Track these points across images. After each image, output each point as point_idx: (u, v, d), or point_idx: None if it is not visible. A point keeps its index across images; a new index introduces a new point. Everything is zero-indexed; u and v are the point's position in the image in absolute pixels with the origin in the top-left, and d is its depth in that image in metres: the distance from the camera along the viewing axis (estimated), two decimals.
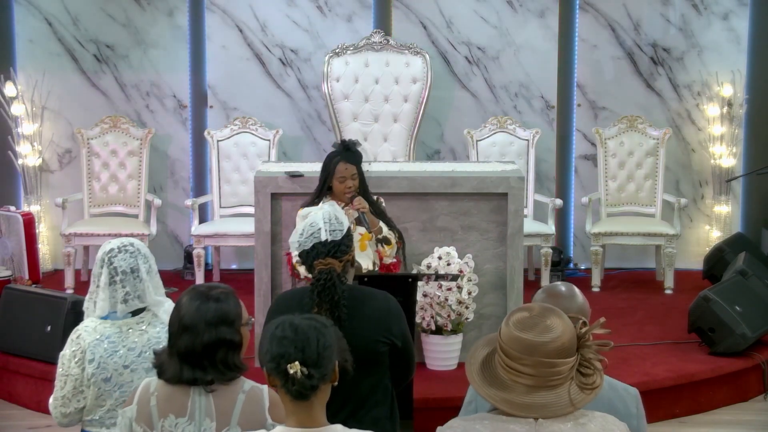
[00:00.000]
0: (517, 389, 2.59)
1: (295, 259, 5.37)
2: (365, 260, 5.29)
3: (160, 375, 3.22)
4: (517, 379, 2.59)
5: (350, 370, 2.86)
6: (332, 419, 3.28)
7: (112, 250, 3.73)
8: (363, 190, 5.36)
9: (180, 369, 3.17)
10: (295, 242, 3.78)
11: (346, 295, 3.64)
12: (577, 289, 3.22)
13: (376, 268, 5.34)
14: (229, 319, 3.23)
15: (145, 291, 3.72)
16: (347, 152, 5.31)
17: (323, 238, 3.70)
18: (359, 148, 5.41)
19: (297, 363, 2.71)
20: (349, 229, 3.77)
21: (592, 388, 2.61)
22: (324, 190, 5.35)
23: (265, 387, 3.23)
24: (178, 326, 3.20)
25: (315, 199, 5.35)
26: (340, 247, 3.71)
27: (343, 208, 5.29)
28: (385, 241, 5.32)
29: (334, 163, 5.30)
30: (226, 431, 3.18)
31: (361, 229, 5.29)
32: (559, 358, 2.59)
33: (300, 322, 2.79)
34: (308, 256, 3.74)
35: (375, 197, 5.43)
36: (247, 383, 3.24)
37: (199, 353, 3.17)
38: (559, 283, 3.25)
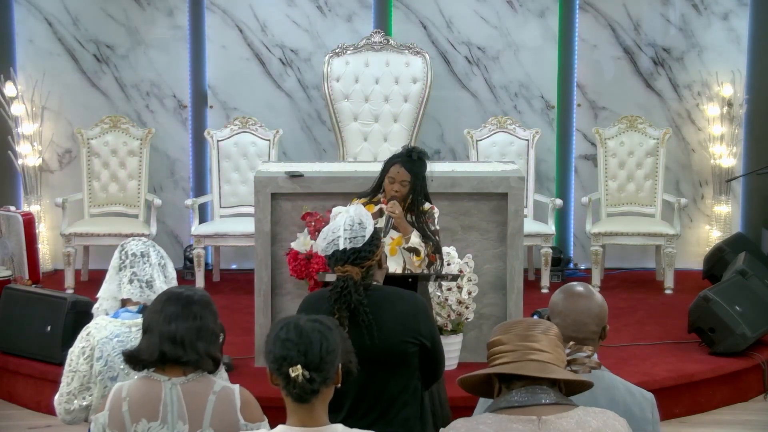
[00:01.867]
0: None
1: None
2: (393, 265, 5.26)
3: (137, 362, 3.22)
4: (499, 362, 2.63)
5: (354, 371, 2.86)
6: (361, 420, 3.30)
7: (128, 241, 3.81)
8: (417, 198, 5.22)
9: (161, 346, 3.19)
10: (320, 246, 3.79)
11: (365, 302, 3.64)
12: (594, 289, 3.23)
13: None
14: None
15: (153, 278, 3.74)
16: (407, 158, 5.25)
17: (341, 246, 3.69)
18: (425, 159, 5.28)
19: (299, 366, 2.70)
20: (374, 232, 3.75)
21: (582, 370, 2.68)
22: (378, 186, 5.32)
23: (237, 387, 3.25)
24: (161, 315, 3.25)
25: (370, 194, 5.32)
26: (360, 254, 3.69)
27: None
28: (414, 251, 5.27)
29: (391, 163, 5.25)
30: None
31: (394, 234, 5.27)
32: (536, 331, 2.62)
33: (304, 324, 2.79)
34: (330, 261, 3.75)
35: (429, 207, 5.30)
36: (217, 384, 3.24)
37: (182, 336, 3.21)
38: (576, 283, 3.24)
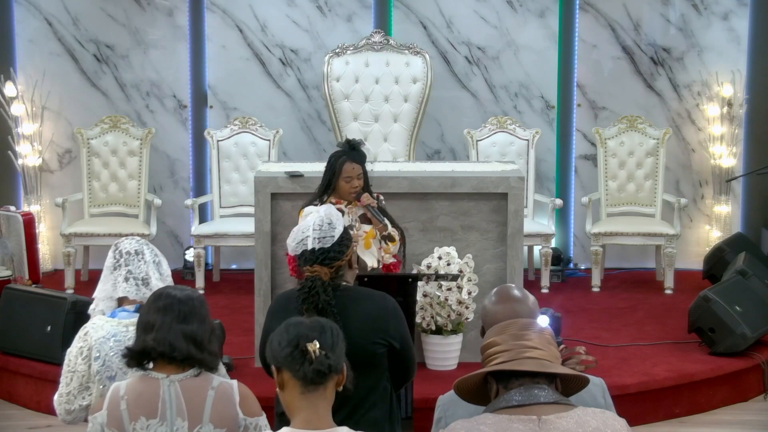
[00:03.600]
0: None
1: None
2: (370, 258, 5.28)
3: (145, 357, 3.23)
4: (496, 362, 2.64)
5: (349, 386, 2.87)
6: None
7: (122, 240, 3.82)
8: (366, 188, 5.37)
9: (188, 348, 3.21)
10: (290, 247, 3.80)
11: (333, 303, 3.64)
12: (526, 291, 3.18)
13: (380, 266, 5.34)
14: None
15: (149, 275, 3.74)
16: (353, 152, 5.31)
17: (310, 246, 3.69)
18: (363, 147, 5.41)
19: (316, 342, 2.73)
20: (343, 232, 3.75)
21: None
22: (329, 189, 5.34)
23: (235, 382, 3.27)
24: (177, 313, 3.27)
25: (318, 198, 5.35)
26: (329, 254, 3.69)
27: (346, 206, 5.31)
28: (389, 238, 5.32)
29: (341, 163, 5.29)
30: (199, 429, 3.19)
31: (366, 227, 5.29)
32: (530, 331, 2.64)
33: (311, 318, 2.86)
34: (299, 261, 3.75)
35: (375, 195, 5.44)
36: (215, 380, 3.26)
37: (201, 337, 3.25)
38: (512, 285, 3.20)
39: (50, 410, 3.85)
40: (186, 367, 3.23)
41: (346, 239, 3.74)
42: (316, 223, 3.72)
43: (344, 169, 5.28)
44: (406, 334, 3.79)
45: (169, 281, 3.82)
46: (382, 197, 5.51)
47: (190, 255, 7.87)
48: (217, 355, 3.31)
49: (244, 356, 5.99)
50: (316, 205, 5.36)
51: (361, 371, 3.62)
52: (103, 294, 3.80)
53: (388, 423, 3.75)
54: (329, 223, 3.72)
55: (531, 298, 3.15)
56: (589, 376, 3.11)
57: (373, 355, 3.67)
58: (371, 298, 3.75)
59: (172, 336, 3.22)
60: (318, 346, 2.72)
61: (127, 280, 3.74)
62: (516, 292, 3.14)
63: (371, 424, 3.65)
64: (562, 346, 2.87)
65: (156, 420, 3.18)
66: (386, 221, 5.35)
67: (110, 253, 3.82)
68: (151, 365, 3.27)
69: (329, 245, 3.69)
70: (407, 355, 3.79)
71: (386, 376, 3.76)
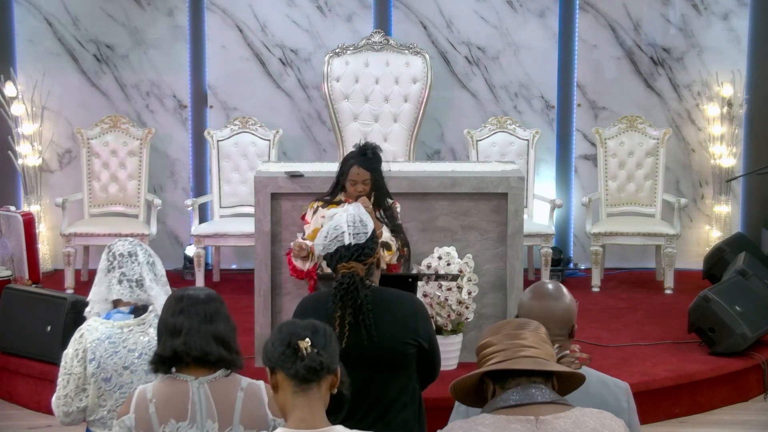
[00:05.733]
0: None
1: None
2: None
3: (176, 362, 3.22)
4: (492, 362, 2.64)
5: (345, 392, 2.87)
6: (360, 422, 3.29)
7: (115, 242, 3.81)
8: (380, 193, 5.30)
9: (218, 351, 3.20)
10: (320, 245, 3.78)
11: (369, 300, 3.64)
12: (565, 290, 3.16)
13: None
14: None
15: (143, 276, 3.73)
16: (362, 157, 5.28)
17: (347, 241, 3.69)
18: (377, 152, 5.34)
19: (308, 340, 2.74)
20: (373, 231, 3.76)
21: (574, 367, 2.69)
22: (338, 188, 5.35)
23: (262, 382, 3.26)
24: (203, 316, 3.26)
25: (330, 195, 5.35)
26: (364, 251, 3.70)
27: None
28: (385, 246, 5.29)
29: (349, 165, 5.29)
30: (229, 431, 3.19)
31: None
32: (525, 330, 2.65)
33: (305, 320, 2.85)
34: (332, 259, 3.74)
35: (390, 202, 5.38)
36: (244, 380, 3.25)
37: (228, 336, 3.26)
38: (548, 282, 3.19)
39: (50, 410, 3.85)
40: (215, 369, 3.23)
41: (375, 236, 3.77)
42: (349, 220, 3.73)
43: (350, 173, 5.27)
44: (434, 334, 3.83)
45: (164, 281, 3.82)
46: (397, 205, 5.41)
47: (190, 251, 7.86)
48: (241, 353, 3.30)
49: (245, 356, 5.98)
50: (326, 200, 5.35)
51: (393, 372, 3.64)
52: (97, 296, 3.79)
53: (417, 423, 3.76)
54: (360, 221, 3.74)
55: (568, 297, 3.14)
56: (615, 380, 3.13)
57: (404, 355, 3.68)
58: (400, 299, 3.75)
59: (203, 340, 3.20)
60: (309, 343, 2.73)
61: (120, 282, 3.74)
62: (552, 290, 3.14)
63: (402, 425, 3.66)
64: (557, 345, 2.87)
65: (186, 422, 3.17)
66: (383, 230, 5.28)
67: (104, 255, 3.81)
68: (174, 368, 3.25)
69: (363, 241, 3.70)
70: (434, 355, 3.82)
71: (415, 376, 3.77)
